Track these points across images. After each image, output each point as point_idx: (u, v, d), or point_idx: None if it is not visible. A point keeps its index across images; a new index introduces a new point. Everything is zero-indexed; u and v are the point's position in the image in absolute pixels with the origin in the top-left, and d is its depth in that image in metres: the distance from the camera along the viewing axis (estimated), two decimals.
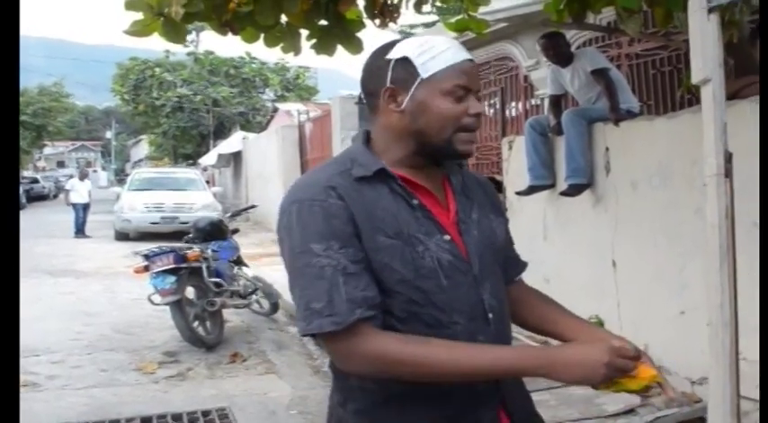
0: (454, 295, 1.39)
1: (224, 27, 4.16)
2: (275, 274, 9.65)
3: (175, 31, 3.90)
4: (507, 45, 8.63)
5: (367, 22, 4.30)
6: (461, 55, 1.41)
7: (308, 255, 1.32)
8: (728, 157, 2.26)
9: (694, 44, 2.23)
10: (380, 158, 1.43)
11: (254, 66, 32.01)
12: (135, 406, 4.71)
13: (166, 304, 5.93)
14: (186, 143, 33.14)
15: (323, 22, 4.22)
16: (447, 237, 1.41)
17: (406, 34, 17.04)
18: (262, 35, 4.29)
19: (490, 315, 1.44)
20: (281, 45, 4.43)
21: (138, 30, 3.92)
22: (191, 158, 32.63)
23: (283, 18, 4.06)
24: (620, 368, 1.30)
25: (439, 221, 1.42)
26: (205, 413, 4.51)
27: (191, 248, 6.28)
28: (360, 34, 4.29)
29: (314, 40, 4.31)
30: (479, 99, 1.46)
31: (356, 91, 14.06)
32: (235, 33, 4.51)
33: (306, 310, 1.31)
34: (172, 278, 5.88)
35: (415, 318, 1.36)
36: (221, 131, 30.62)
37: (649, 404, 4.11)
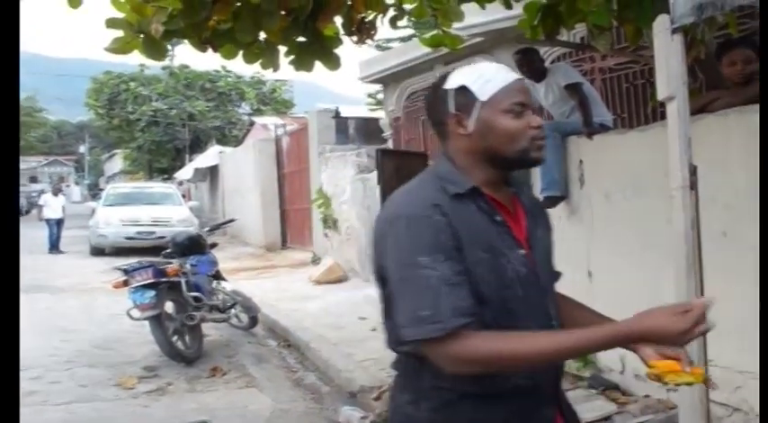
0: (529, 304, 1.54)
1: (204, 44, 4.22)
2: (253, 288, 9.70)
3: (156, 49, 3.95)
4: (483, 59, 8.76)
5: (345, 38, 4.38)
6: (511, 76, 1.57)
7: (415, 267, 1.44)
8: (693, 170, 2.36)
9: (659, 63, 2.34)
10: (467, 177, 1.57)
11: (229, 79, 31.95)
12: (115, 421, 4.72)
13: (146, 319, 5.93)
14: (161, 157, 32.93)
15: (301, 39, 4.29)
16: (522, 251, 1.56)
17: (382, 49, 17.19)
18: (241, 52, 4.36)
19: (554, 323, 1.60)
20: (260, 61, 4.50)
21: (119, 47, 3.96)
22: (166, 173, 32.43)
23: (262, 35, 4.12)
24: (694, 320, 1.40)
25: (516, 237, 1.57)
26: None
27: (170, 263, 6.29)
28: (337, 50, 4.37)
29: (292, 57, 4.38)
30: (536, 113, 1.60)
31: (333, 104, 14.17)
32: (215, 50, 4.57)
33: (414, 317, 1.44)
34: (151, 293, 5.89)
35: (496, 325, 1.48)
36: (197, 146, 30.49)
37: (625, 411, 4.20)
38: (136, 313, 5.97)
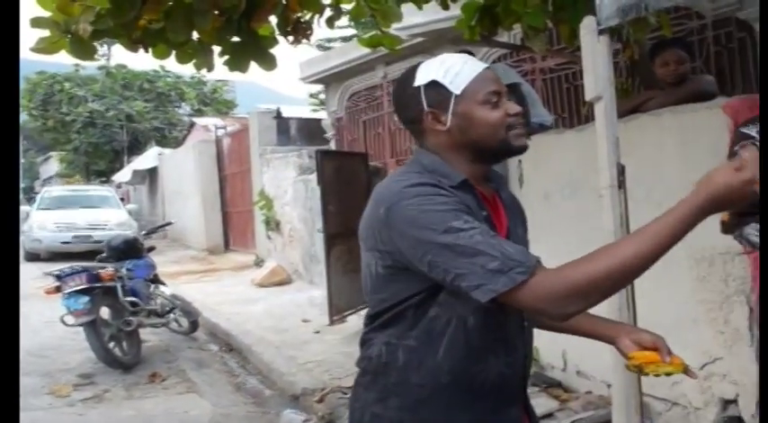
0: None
1: (135, 44, 4.13)
2: (195, 291, 9.54)
3: (84, 49, 3.83)
4: (425, 59, 8.79)
5: (281, 38, 4.33)
6: (479, 65, 1.53)
7: (453, 232, 1.35)
8: (621, 170, 2.40)
9: (586, 64, 2.37)
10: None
11: (169, 80, 31.38)
12: None
13: (80, 325, 5.77)
14: (99, 159, 32.10)
15: (236, 39, 4.23)
16: None
17: (324, 49, 17.12)
18: (174, 52, 4.28)
19: (525, 323, 1.60)
20: (194, 61, 4.42)
21: (45, 47, 3.83)
22: (104, 175, 31.67)
23: (195, 34, 4.05)
24: (752, 170, 1.30)
25: (499, 233, 1.51)
26: None
27: (104, 268, 6.13)
28: (277, 50, 4.32)
29: (227, 57, 4.32)
30: (510, 99, 1.56)
31: (276, 105, 14.04)
32: (146, 50, 4.47)
33: (485, 273, 1.32)
34: (85, 298, 5.73)
35: (474, 318, 1.47)
36: (136, 147, 29.85)
37: (567, 408, 4.26)
38: (70, 319, 5.80)
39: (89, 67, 31.75)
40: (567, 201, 4.60)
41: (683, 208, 1.32)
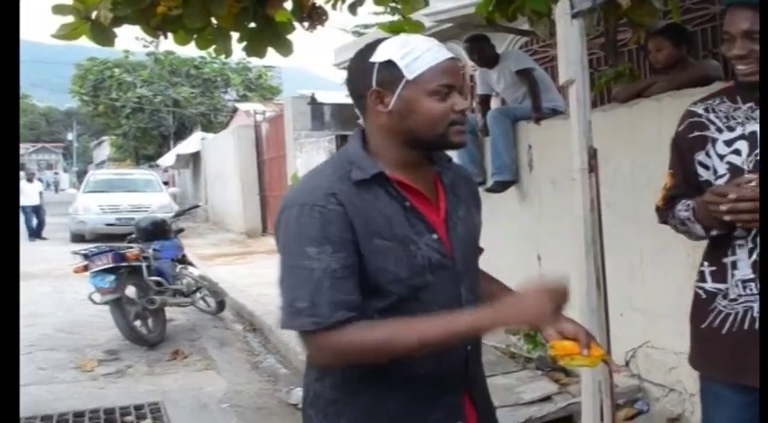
0: (437, 290, 1.50)
1: (155, 30, 4.25)
2: (228, 273, 9.76)
3: (104, 35, 3.97)
4: (454, 45, 8.77)
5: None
6: (443, 54, 1.47)
7: (301, 256, 1.40)
8: (593, 153, 2.42)
9: (560, 48, 2.39)
10: (377, 160, 1.50)
11: (215, 66, 31.78)
12: (70, 402, 4.78)
13: (105, 303, 5.98)
14: (147, 144, 32.84)
15: (252, 25, 4.31)
16: (435, 235, 1.51)
17: (359, 35, 17.14)
18: (193, 38, 4.39)
19: (467, 307, 1.53)
20: (213, 47, 4.53)
21: (66, 34, 3.98)
22: (152, 159, 32.36)
23: (214, 20, 4.15)
24: (560, 297, 1.46)
25: (429, 221, 1.51)
26: (137, 407, 4.59)
27: (130, 248, 6.34)
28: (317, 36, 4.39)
29: (245, 43, 4.41)
30: (464, 94, 1.54)
31: (317, 90, 14.13)
32: (165, 37, 4.60)
33: (290, 307, 1.42)
34: (111, 277, 5.94)
35: (400, 312, 1.45)
36: (182, 132, 30.40)
37: (565, 391, 4.28)
38: (97, 297, 6.02)
39: (138, 53, 32.43)
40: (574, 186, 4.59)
41: (472, 321, 1.44)
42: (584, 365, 1.48)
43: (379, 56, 1.47)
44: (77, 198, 16.89)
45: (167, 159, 25.45)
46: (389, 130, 1.50)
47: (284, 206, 1.48)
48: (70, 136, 71.79)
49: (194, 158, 22.89)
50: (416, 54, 1.45)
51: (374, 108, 1.49)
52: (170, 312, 6.88)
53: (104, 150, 50.01)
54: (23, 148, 69.77)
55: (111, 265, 5.95)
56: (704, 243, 3.45)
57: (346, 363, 1.46)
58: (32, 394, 4.95)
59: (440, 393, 1.54)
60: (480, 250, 1.74)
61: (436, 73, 1.45)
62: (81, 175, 60.88)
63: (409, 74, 1.45)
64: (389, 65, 1.46)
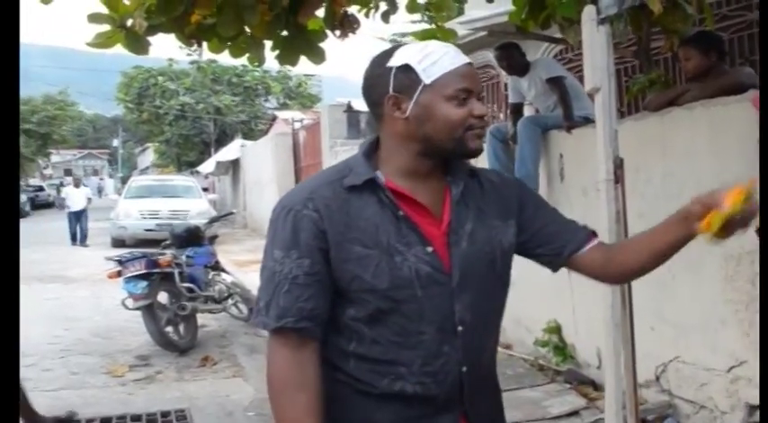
0: (426, 306, 1.43)
1: (189, 39, 4.29)
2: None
3: (138, 44, 4.02)
4: (488, 53, 8.71)
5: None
6: (460, 59, 1.45)
7: (270, 258, 1.44)
8: (619, 163, 2.33)
9: (586, 55, 2.31)
10: (383, 166, 1.48)
11: (256, 74, 32.12)
12: (98, 407, 4.81)
13: (138, 308, 6.03)
14: (189, 151, 33.30)
15: (285, 33, 4.32)
16: (429, 248, 1.44)
17: (396, 43, 17.15)
18: (227, 46, 4.42)
19: (459, 328, 1.46)
20: (247, 55, 4.55)
21: (102, 42, 4.04)
22: (194, 166, 32.81)
23: (247, 29, 4.16)
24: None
25: (423, 233, 1.45)
26: (164, 414, 4.60)
27: (163, 254, 6.39)
28: (323, 44, 4.39)
29: (277, 51, 4.42)
30: (481, 100, 1.49)
31: (355, 98, 14.17)
32: (199, 45, 4.64)
33: (256, 305, 1.48)
34: (143, 283, 5.99)
35: (382, 324, 1.43)
36: (223, 139, 30.76)
37: (593, 406, 4.18)
38: (130, 303, 6.09)
39: (181, 61, 32.95)
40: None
41: None
42: (730, 214, 1.33)
43: (396, 61, 1.44)
44: (119, 204, 17.19)
45: (208, 166, 25.77)
46: (405, 138, 1.46)
47: (274, 206, 1.51)
48: (116, 142, 73.23)
49: (234, 165, 23.13)
50: (434, 58, 1.43)
51: (391, 115, 1.46)
52: (202, 318, 6.91)
53: (148, 157, 50.90)
54: (71, 154, 71.45)
55: (143, 272, 6.01)
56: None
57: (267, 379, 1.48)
58: (63, 398, 5.00)
59: (431, 414, 1.48)
60: (585, 231, 1.68)
61: (454, 77, 1.42)
62: (125, 180, 62.04)
63: (427, 78, 1.42)
64: (407, 69, 1.43)
